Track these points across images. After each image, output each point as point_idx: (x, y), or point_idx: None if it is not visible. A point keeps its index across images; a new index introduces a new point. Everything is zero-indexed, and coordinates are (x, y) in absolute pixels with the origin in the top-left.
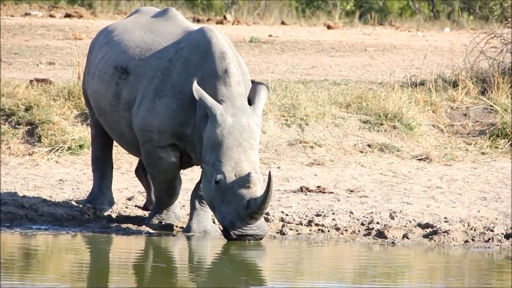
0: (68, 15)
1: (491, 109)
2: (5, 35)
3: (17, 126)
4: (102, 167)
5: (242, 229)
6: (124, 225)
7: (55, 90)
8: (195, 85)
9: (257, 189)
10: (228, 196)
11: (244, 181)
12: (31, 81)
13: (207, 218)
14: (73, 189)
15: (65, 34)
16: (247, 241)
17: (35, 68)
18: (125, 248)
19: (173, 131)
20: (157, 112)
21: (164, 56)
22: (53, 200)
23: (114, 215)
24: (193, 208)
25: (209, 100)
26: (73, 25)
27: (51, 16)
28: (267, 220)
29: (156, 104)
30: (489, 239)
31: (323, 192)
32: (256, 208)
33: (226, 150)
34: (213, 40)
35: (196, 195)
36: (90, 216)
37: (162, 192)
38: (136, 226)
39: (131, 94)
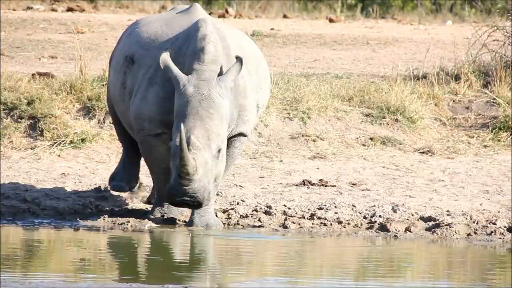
0: (70, 9)
1: (493, 102)
2: (7, 29)
3: (19, 120)
4: (126, 148)
5: (177, 193)
6: (124, 220)
7: (57, 84)
8: (163, 55)
9: (196, 153)
10: (174, 161)
11: (177, 141)
12: (33, 75)
13: (209, 212)
14: (75, 182)
15: (67, 28)
16: (184, 206)
17: (37, 62)
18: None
19: (161, 119)
20: (148, 101)
21: (163, 46)
22: (55, 194)
23: (116, 209)
24: None
25: (175, 70)
26: (75, 19)
27: (53, 10)
28: (269, 213)
29: (148, 92)
30: (492, 232)
31: (326, 186)
32: (180, 167)
33: (183, 118)
34: (201, 28)
35: None
36: (93, 209)
37: (160, 184)
38: (138, 220)
39: (132, 83)
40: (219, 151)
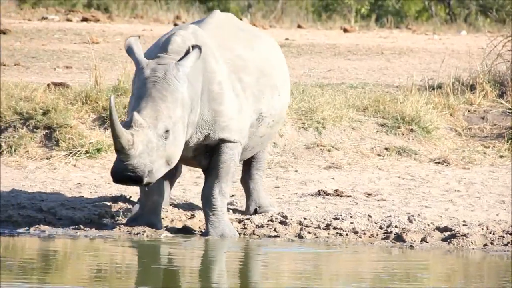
0: (85, 19)
1: (509, 112)
2: (22, 39)
3: (35, 130)
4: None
5: (117, 169)
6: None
7: (73, 94)
8: (129, 39)
9: (138, 131)
10: None
11: (128, 120)
12: (48, 85)
13: (222, 222)
14: (91, 192)
15: (82, 38)
16: (126, 183)
17: (53, 72)
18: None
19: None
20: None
21: None
22: (72, 204)
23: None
24: (205, 214)
25: (137, 54)
26: (90, 29)
27: (68, 20)
28: (285, 223)
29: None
30: (508, 242)
31: (341, 196)
32: (113, 141)
33: (138, 99)
34: (180, 29)
35: (203, 201)
36: (108, 219)
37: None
38: (154, 230)
39: None
40: (167, 131)
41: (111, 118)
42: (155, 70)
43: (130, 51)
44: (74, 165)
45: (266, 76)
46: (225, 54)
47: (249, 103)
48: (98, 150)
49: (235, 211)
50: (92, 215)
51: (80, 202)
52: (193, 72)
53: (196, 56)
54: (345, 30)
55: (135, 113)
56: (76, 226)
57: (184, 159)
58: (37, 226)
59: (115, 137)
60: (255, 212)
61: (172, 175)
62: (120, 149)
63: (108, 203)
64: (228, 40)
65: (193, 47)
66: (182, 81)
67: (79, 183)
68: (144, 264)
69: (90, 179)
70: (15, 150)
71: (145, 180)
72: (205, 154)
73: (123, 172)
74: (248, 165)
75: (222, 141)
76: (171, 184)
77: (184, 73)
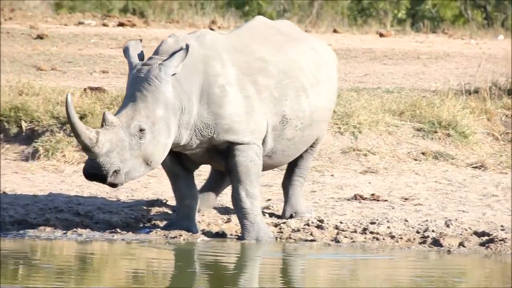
0: (121, 24)
1: None
2: (59, 44)
3: (71, 134)
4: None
5: (86, 166)
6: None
7: (109, 99)
8: (128, 42)
9: (108, 129)
10: None
11: (102, 119)
12: (85, 89)
13: (256, 225)
14: (127, 196)
15: (118, 42)
16: (93, 180)
17: (89, 77)
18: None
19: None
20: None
21: None
22: (108, 208)
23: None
24: (238, 218)
25: (130, 56)
26: (126, 34)
27: (104, 25)
28: (321, 227)
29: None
30: None
31: (377, 200)
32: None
33: (124, 100)
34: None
35: (233, 206)
36: (145, 223)
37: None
38: (190, 233)
39: None
40: (141, 130)
41: (68, 116)
42: (140, 70)
43: (126, 52)
44: None
45: (290, 78)
46: (239, 57)
47: (266, 104)
48: None
49: (271, 215)
50: (129, 218)
51: (116, 206)
52: (186, 73)
53: (181, 56)
54: (381, 35)
55: (106, 112)
56: (113, 230)
57: (202, 161)
58: (74, 229)
59: (75, 135)
60: (291, 217)
61: (217, 183)
62: (84, 147)
63: (145, 207)
64: (253, 43)
65: (182, 48)
66: (165, 81)
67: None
68: (180, 267)
69: (127, 183)
70: (52, 154)
71: (109, 179)
72: (221, 156)
73: (89, 170)
74: (290, 170)
75: (232, 143)
76: (217, 191)
77: (167, 73)
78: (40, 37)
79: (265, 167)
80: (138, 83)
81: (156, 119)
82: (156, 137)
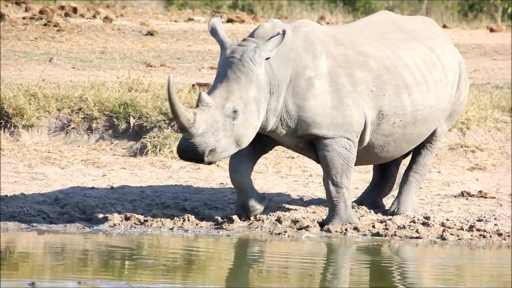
0: (230, 20)
1: None
2: (168, 40)
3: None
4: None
5: (181, 146)
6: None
7: None
8: (212, 20)
9: (203, 109)
10: None
11: (197, 99)
12: (193, 85)
13: (340, 213)
14: (233, 192)
15: None
16: (189, 160)
17: (197, 73)
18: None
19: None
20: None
21: None
22: (214, 204)
23: (274, 218)
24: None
25: (220, 35)
26: (234, 30)
27: None
28: (427, 224)
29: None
30: None
31: (485, 197)
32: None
33: (216, 79)
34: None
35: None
36: (245, 219)
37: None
38: (295, 230)
39: None
40: (235, 111)
41: (169, 96)
42: (234, 51)
43: (214, 32)
44: (217, 165)
45: (391, 75)
46: (337, 49)
47: (363, 98)
48: None
49: (378, 211)
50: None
51: (222, 201)
52: (280, 60)
53: (277, 41)
54: (492, 30)
55: (202, 93)
56: (218, 226)
57: (296, 151)
58: (180, 225)
59: (174, 115)
60: (392, 214)
61: (379, 187)
62: (181, 128)
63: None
64: (360, 37)
65: (279, 33)
66: (258, 64)
67: (222, 183)
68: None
69: None
70: (159, 150)
71: (206, 159)
72: (310, 148)
73: (185, 150)
74: (408, 166)
75: (317, 136)
76: (382, 195)
77: (261, 57)
78: (150, 33)
79: (367, 161)
80: (231, 63)
81: (249, 101)
82: (248, 118)
